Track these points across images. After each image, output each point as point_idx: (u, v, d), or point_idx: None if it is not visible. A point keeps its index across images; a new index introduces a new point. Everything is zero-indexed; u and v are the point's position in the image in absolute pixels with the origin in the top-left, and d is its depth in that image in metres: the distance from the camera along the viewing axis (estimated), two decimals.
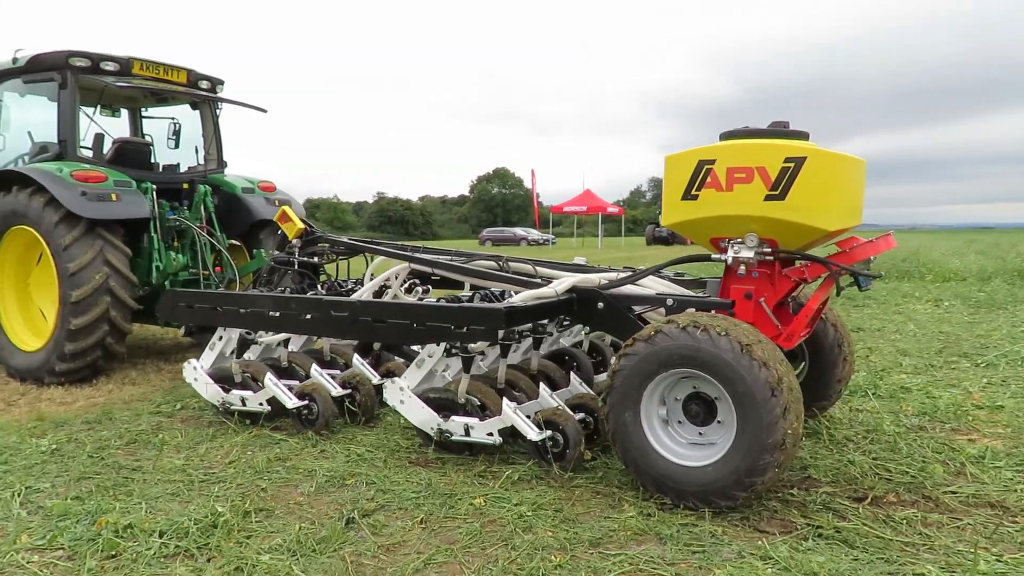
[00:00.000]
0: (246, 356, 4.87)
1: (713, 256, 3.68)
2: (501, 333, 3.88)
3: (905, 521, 3.03)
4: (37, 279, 6.37)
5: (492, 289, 4.56)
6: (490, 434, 3.75)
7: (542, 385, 3.95)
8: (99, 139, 6.77)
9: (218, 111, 7.43)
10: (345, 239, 5.47)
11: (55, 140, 6.37)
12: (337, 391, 4.47)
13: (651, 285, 4.16)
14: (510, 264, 4.80)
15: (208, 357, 4.84)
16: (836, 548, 2.80)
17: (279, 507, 3.30)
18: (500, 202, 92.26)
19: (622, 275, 4.17)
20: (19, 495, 3.47)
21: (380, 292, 5.00)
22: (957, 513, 3.14)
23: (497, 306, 3.61)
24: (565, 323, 4.70)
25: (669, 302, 3.70)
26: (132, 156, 6.81)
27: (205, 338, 5.06)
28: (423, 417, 3.90)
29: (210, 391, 4.67)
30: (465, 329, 3.61)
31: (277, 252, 5.63)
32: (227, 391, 4.63)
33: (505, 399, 3.72)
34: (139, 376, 6.24)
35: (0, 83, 6.69)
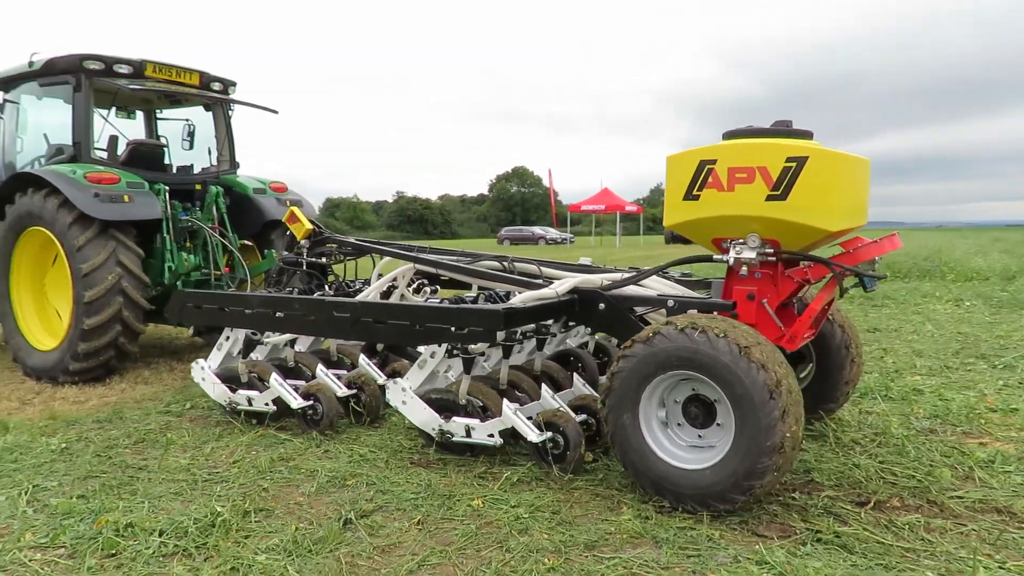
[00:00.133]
0: (255, 356, 4.91)
1: (715, 257, 3.65)
2: (501, 335, 3.88)
3: (907, 526, 2.98)
4: (53, 279, 6.48)
5: (497, 290, 4.56)
6: (491, 435, 3.74)
7: (544, 386, 3.94)
8: (113, 141, 6.86)
9: (230, 112, 7.50)
10: (352, 239, 5.49)
11: (70, 142, 6.47)
12: (342, 391, 4.50)
13: (654, 286, 4.13)
14: (515, 264, 4.80)
15: (216, 357, 4.89)
16: (834, 553, 2.76)
17: (279, 507, 3.32)
18: (519, 201, 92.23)
19: (625, 276, 4.14)
20: (26, 493, 3.52)
21: (388, 292, 5.02)
22: (962, 519, 3.08)
23: (495, 307, 3.61)
24: (570, 324, 4.68)
25: (670, 303, 3.67)
26: (146, 157, 6.90)
27: (215, 338, 5.11)
28: (425, 418, 3.90)
29: (217, 391, 4.71)
30: (464, 330, 3.61)
31: (286, 253, 5.67)
32: (234, 391, 4.67)
33: (505, 400, 3.72)
34: (152, 375, 6.31)
35: (17, 86, 6.82)
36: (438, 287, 5.22)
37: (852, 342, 4.24)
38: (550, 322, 4.37)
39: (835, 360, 4.21)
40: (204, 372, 4.79)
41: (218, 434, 4.46)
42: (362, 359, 4.84)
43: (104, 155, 6.75)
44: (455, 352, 3.90)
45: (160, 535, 2.98)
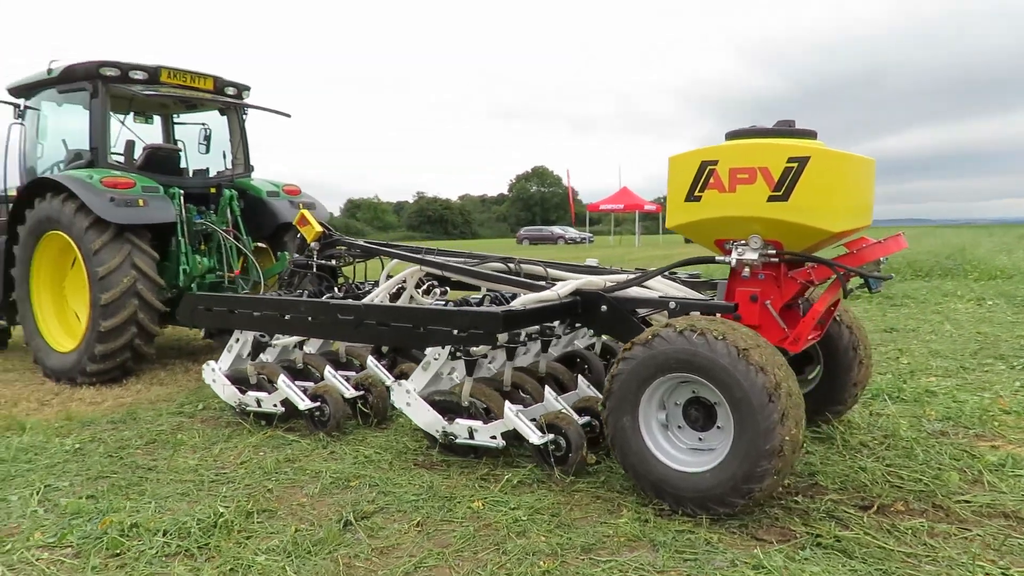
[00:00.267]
0: (266, 358, 4.97)
1: (717, 258, 3.63)
2: (504, 337, 3.90)
3: (910, 531, 2.94)
4: (71, 283, 6.60)
5: (503, 292, 4.58)
6: (493, 437, 3.76)
7: (547, 388, 3.95)
8: (130, 146, 6.98)
9: (244, 116, 7.59)
10: (361, 242, 5.53)
11: (88, 147, 6.59)
12: (350, 392, 4.54)
13: (659, 288, 4.11)
14: (522, 266, 4.80)
15: (226, 359, 4.95)
16: (834, 558, 2.74)
17: (282, 508, 3.36)
18: (538, 200, 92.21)
19: (628, 277, 4.13)
20: (38, 493, 3.60)
21: (399, 294, 5.06)
22: (967, 523, 3.04)
23: (494, 310, 3.62)
24: (576, 325, 4.68)
25: (672, 305, 3.65)
26: (161, 162, 7.00)
27: (226, 340, 5.18)
28: (428, 419, 3.93)
29: (227, 392, 4.78)
30: (464, 332, 3.63)
31: (297, 255, 5.73)
32: (243, 392, 4.73)
33: (507, 402, 3.73)
34: (167, 377, 6.41)
35: (37, 93, 6.96)
36: (447, 289, 5.25)
37: (860, 343, 4.18)
38: (555, 324, 4.39)
39: (843, 361, 4.16)
40: (215, 374, 4.85)
41: (227, 435, 4.52)
42: (370, 361, 4.87)
43: (121, 160, 6.88)
44: (458, 354, 3.92)
45: (164, 535, 3.03)
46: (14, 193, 6.90)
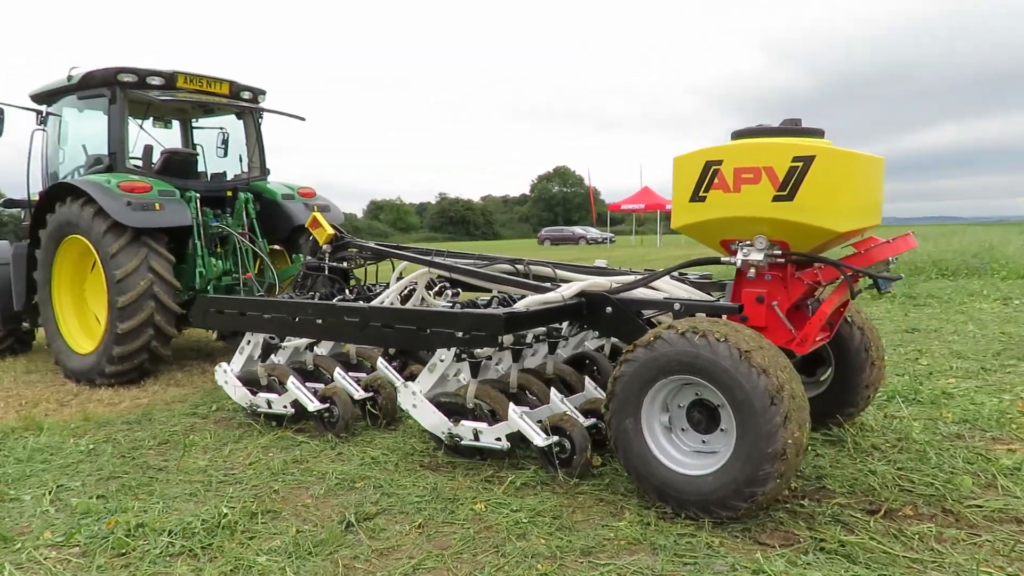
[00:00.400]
0: (277, 359, 5.02)
1: (723, 259, 3.59)
2: (508, 339, 3.89)
3: (917, 536, 2.89)
4: (91, 286, 6.72)
5: (513, 293, 4.57)
6: (498, 439, 3.75)
7: (552, 390, 3.94)
8: (148, 150, 7.08)
9: (260, 120, 7.67)
10: (371, 244, 5.56)
11: (107, 152, 6.70)
12: (359, 394, 4.56)
13: (666, 289, 4.08)
14: (531, 267, 4.80)
15: (238, 361, 5.01)
16: (836, 563, 2.69)
17: (286, 509, 3.39)
18: (560, 201, 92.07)
19: (635, 278, 4.11)
20: (50, 493, 3.67)
21: (409, 296, 5.09)
22: (977, 529, 2.97)
23: (496, 312, 3.62)
24: (585, 327, 4.66)
25: (676, 306, 3.62)
26: (179, 166, 7.10)
27: (238, 341, 5.23)
28: (434, 421, 3.93)
29: (239, 393, 4.83)
30: (467, 334, 3.63)
31: (309, 258, 5.77)
32: (255, 393, 4.78)
33: (512, 404, 3.72)
34: (184, 378, 6.50)
35: (58, 100, 7.10)
36: (459, 290, 5.26)
37: (872, 344, 4.12)
38: (564, 325, 4.37)
39: (854, 363, 4.09)
40: (227, 375, 4.91)
41: (238, 436, 4.57)
42: (380, 362, 4.89)
43: (139, 164, 6.99)
44: (463, 356, 3.92)
45: (169, 535, 3.07)
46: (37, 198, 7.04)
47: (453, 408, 3.93)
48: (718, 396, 3.06)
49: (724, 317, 3.47)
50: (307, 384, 4.64)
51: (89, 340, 6.54)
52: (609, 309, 3.82)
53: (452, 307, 4.15)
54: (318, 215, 5.69)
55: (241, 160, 7.77)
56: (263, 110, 7.59)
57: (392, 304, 4.83)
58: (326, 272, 5.62)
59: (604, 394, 4.18)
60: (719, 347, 2.99)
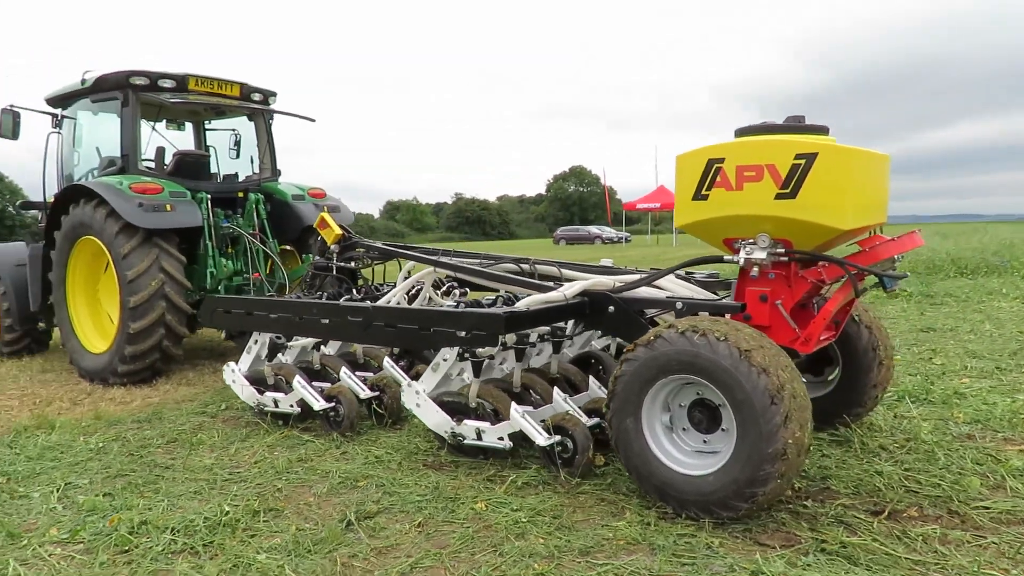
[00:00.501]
0: (286, 359, 5.06)
1: (726, 257, 3.56)
2: (511, 338, 3.89)
3: (921, 537, 2.85)
4: (105, 286, 6.81)
5: (520, 293, 4.56)
6: (501, 438, 3.75)
7: (556, 389, 3.93)
8: (160, 152, 7.17)
9: (271, 122, 7.72)
10: (379, 244, 5.58)
11: (120, 155, 6.78)
12: (365, 393, 4.58)
13: (671, 288, 4.06)
14: (537, 267, 4.79)
15: (245, 360, 5.05)
16: (837, 564, 2.66)
17: (288, 507, 3.41)
18: (576, 200, 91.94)
19: (638, 277, 4.09)
20: (58, 490, 3.72)
21: (416, 296, 5.10)
22: (983, 531, 2.92)
23: (496, 311, 3.62)
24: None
25: (679, 305, 3.60)
26: (191, 167, 7.17)
27: (246, 341, 5.27)
28: (437, 420, 3.94)
29: (246, 393, 4.87)
30: (468, 334, 3.63)
31: (318, 258, 5.81)
32: (262, 393, 4.82)
33: (513, 403, 3.72)
34: (196, 377, 6.56)
35: (73, 103, 7.19)
36: (467, 290, 5.26)
37: (880, 344, 4.06)
38: (569, 324, 4.36)
39: (862, 363, 4.04)
40: (235, 375, 4.95)
41: (245, 435, 4.60)
42: (386, 362, 4.91)
43: (152, 166, 7.07)
44: (466, 355, 3.93)
45: (171, 533, 3.10)
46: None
47: (456, 407, 3.94)
48: (718, 395, 3.04)
49: (728, 316, 3.44)
50: (313, 383, 4.66)
51: (103, 340, 6.63)
52: (611, 308, 3.80)
53: (456, 307, 4.15)
54: (326, 215, 5.72)
55: (252, 161, 7.83)
56: (273, 111, 7.64)
57: (399, 304, 4.84)
58: (334, 272, 5.65)
59: None
60: (719, 346, 2.97)
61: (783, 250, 3.37)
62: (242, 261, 6.97)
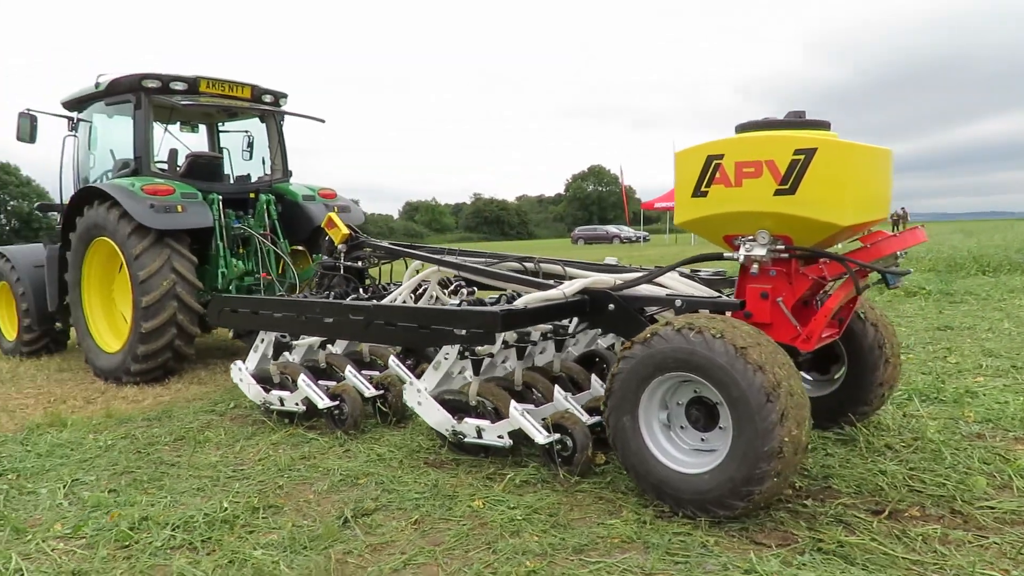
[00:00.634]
0: (292, 357, 5.09)
1: (726, 255, 3.53)
2: (513, 336, 3.89)
3: (921, 537, 2.80)
4: (119, 286, 6.91)
5: (521, 291, 4.56)
6: (500, 436, 3.75)
7: (556, 387, 3.92)
8: (173, 154, 7.25)
9: (282, 123, 7.79)
10: (385, 244, 5.61)
11: (133, 157, 6.87)
12: (370, 392, 4.60)
13: (673, 285, 4.04)
14: (541, 265, 4.79)
15: (252, 359, 5.09)
16: (832, 564, 2.63)
17: (288, 504, 3.43)
18: (595, 200, 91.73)
19: (640, 275, 4.07)
20: (65, 487, 3.78)
21: (422, 295, 5.12)
22: (986, 531, 2.87)
23: (492, 309, 3.62)
24: None
25: (678, 303, 3.58)
26: (203, 169, 7.25)
27: (253, 340, 5.32)
28: (439, 419, 3.95)
29: (252, 391, 4.91)
30: (467, 332, 3.63)
31: (325, 257, 5.84)
32: (268, 391, 4.85)
33: (513, 401, 3.72)
34: (207, 376, 6.63)
35: (88, 106, 7.31)
36: (475, 289, 5.26)
37: (887, 341, 4.00)
38: (572, 323, 4.35)
39: (868, 361, 3.99)
40: (241, 373, 5.00)
41: (251, 432, 4.64)
42: (391, 360, 4.92)
43: (165, 168, 7.15)
44: (466, 354, 3.93)
45: (171, 528, 3.14)
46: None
47: (456, 405, 3.94)
48: (715, 393, 3.02)
49: (728, 314, 3.41)
50: (319, 382, 4.69)
51: (117, 339, 6.72)
52: (611, 306, 3.79)
53: (459, 305, 4.16)
54: (333, 215, 5.75)
55: (264, 163, 7.90)
56: (284, 113, 7.70)
57: (404, 303, 4.86)
58: (341, 271, 5.68)
59: None
60: (715, 343, 2.94)
61: (783, 247, 3.33)
62: (253, 261, 7.04)
